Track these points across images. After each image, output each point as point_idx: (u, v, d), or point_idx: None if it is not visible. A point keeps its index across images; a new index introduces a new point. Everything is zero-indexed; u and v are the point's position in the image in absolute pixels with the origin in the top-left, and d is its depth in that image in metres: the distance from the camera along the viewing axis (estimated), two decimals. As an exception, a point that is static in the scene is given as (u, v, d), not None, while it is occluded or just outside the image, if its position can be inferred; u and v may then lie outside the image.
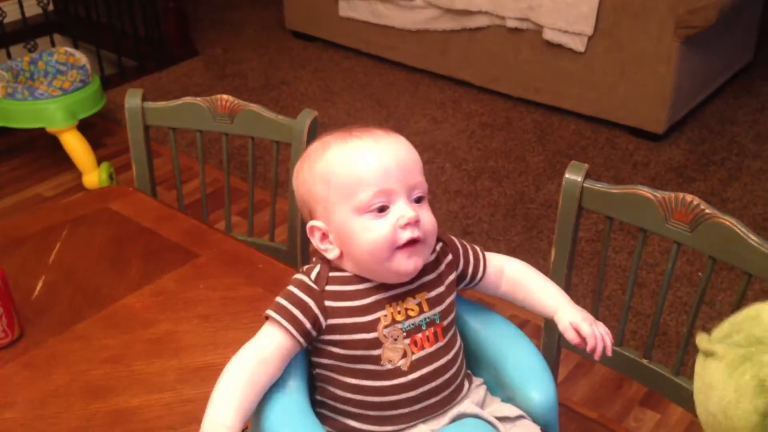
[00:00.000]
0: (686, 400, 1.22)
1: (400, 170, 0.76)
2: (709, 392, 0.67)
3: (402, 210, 0.76)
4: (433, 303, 0.80)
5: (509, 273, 0.88)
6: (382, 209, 0.76)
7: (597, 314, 1.39)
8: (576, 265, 2.26)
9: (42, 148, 3.00)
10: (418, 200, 0.78)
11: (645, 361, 1.26)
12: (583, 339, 0.80)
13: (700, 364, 0.72)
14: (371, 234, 0.75)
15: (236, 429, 0.70)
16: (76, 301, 1.19)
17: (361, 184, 0.76)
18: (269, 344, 0.76)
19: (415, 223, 0.76)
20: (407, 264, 0.76)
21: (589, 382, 1.97)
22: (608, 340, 0.81)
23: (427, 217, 0.78)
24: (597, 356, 0.80)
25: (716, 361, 0.67)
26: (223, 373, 0.75)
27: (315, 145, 0.82)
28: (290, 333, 0.76)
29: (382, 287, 0.78)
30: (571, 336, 0.81)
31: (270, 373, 0.75)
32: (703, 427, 0.70)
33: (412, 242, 0.76)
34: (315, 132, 1.45)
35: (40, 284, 1.22)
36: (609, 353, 0.81)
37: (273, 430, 0.73)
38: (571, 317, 0.82)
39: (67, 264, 1.27)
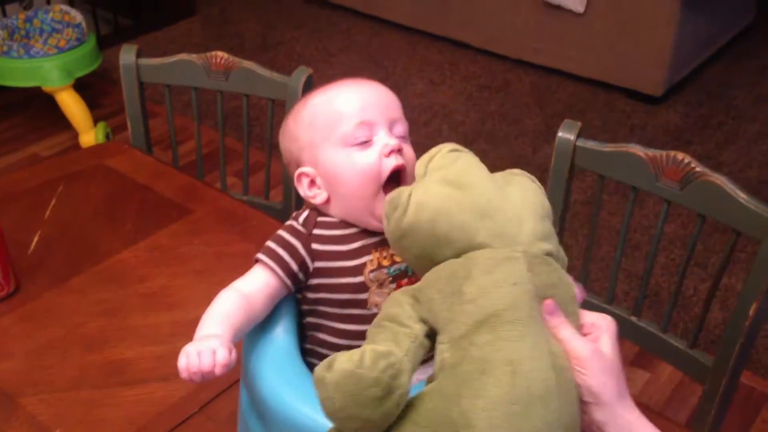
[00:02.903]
0: (675, 358, 1.24)
1: (379, 103, 0.80)
2: None
3: (384, 139, 0.78)
4: None
5: None
6: (366, 143, 0.78)
7: (588, 274, 1.41)
8: (571, 228, 2.28)
9: (38, 107, 2.99)
10: (400, 138, 0.80)
11: (634, 319, 1.28)
12: None
13: None
14: (357, 165, 0.77)
15: (226, 338, 0.71)
16: (71, 256, 1.20)
17: (343, 117, 0.78)
18: (255, 282, 0.78)
19: (399, 150, 0.77)
20: None
21: (581, 341, 1.99)
22: None
23: (408, 149, 0.80)
24: None
25: None
26: (212, 304, 0.76)
27: (299, 102, 0.85)
28: (276, 274, 0.77)
29: (369, 233, 0.80)
30: None
31: (256, 308, 0.76)
32: None
33: (395, 179, 0.78)
34: (310, 90, 1.45)
35: (36, 239, 1.23)
36: None
37: (263, 379, 0.74)
38: None
39: (63, 219, 1.28)
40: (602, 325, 0.67)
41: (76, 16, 2.81)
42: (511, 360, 0.59)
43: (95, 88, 3.09)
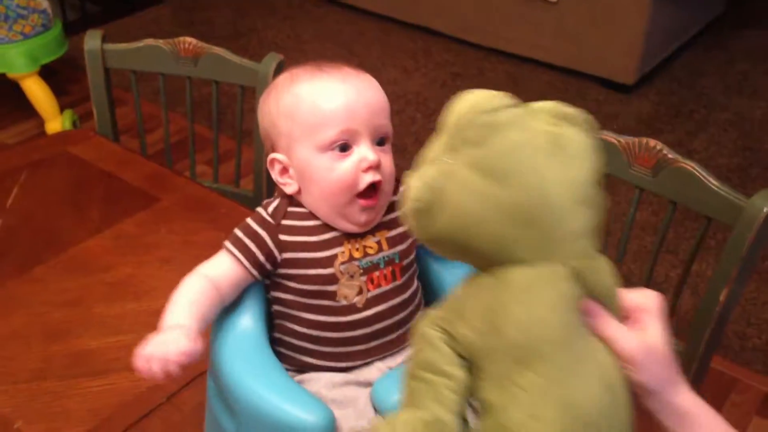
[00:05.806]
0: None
1: (366, 111, 0.75)
2: None
3: (364, 152, 0.75)
4: (393, 242, 0.80)
5: None
6: (345, 148, 0.75)
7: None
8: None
9: (3, 94, 2.92)
10: (381, 142, 0.77)
11: (606, 305, 1.28)
12: None
13: None
14: (333, 174, 0.75)
15: (193, 328, 0.70)
16: (35, 245, 1.17)
17: (326, 122, 0.74)
18: (221, 268, 0.77)
19: (377, 166, 0.75)
20: (359, 217, 0.76)
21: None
22: None
23: (387, 161, 0.77)
24: None
25: None
26: (178, 289, 0.75)
27: (283, 77, 0.80)
28: (242, 264, 0.76)
29: None
30: None
31: (222, 295, 0.76)
32: None
33: (370, 189, 0.76)
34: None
35: (-3, 228, 1.20)
36: None
37: (230, 367, 0.73)
38: None
39: (26, 208, 1.25)
40: (647, 306, 0.61)
41: (42, 1, 2.75)
42: (562, 401, 0.54)
43: (62, 75, 3.03)
